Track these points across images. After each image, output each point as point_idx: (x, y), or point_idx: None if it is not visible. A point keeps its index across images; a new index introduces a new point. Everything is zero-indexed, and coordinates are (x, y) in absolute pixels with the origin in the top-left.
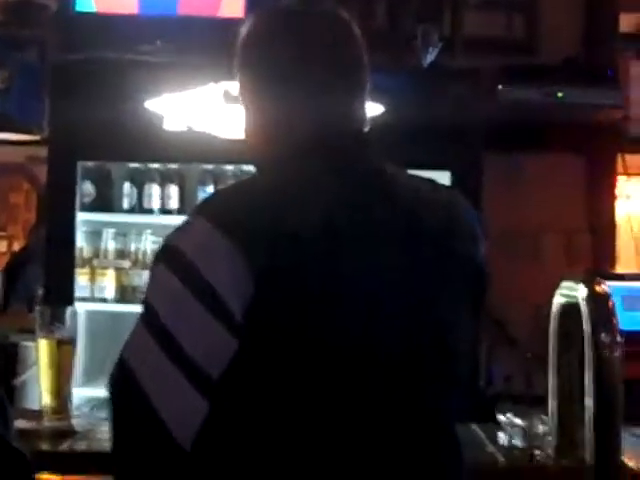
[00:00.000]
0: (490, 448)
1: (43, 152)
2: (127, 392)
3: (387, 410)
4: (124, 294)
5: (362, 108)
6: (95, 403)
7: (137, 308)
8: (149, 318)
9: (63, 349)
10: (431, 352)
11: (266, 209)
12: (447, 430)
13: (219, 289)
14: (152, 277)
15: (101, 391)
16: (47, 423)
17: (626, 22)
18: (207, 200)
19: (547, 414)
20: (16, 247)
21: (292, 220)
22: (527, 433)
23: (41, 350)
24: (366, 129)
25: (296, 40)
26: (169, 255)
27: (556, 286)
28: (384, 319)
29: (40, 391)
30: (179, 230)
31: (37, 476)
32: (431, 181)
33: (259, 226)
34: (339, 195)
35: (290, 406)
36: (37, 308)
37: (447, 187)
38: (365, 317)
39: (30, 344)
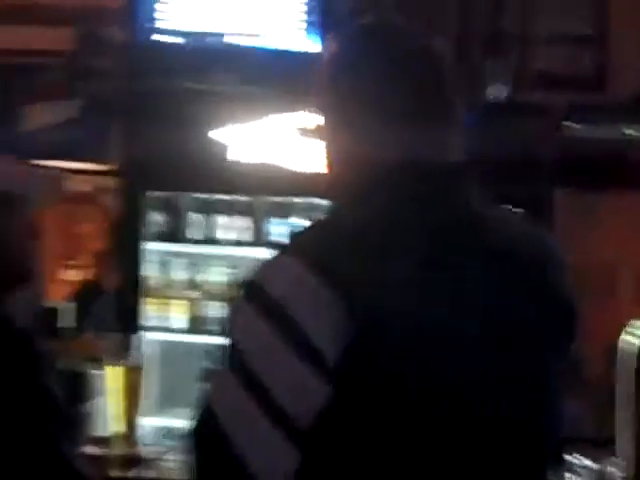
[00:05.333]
0: None
1: (111, 182)
2: (213, 442)
3: (487, 462)
4: (195, 325)
5: (456, 136)
6: (165, 432)
7: (208, 339)
8: (234, 360)
9: (131, 376)
10: (530, 400)
11: (358, 250)
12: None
13: (312, 334)
14: (237, 315)
15: (173, 421)
16: (116, 450)
17: None
18: (300, 237)
19: (615, 455)
20: (86, 276)
21: (385, 263)
22: (598, 475)
23: (109, 377)
24: (460, 160)
25: (382, 66)
26: (257, 293)
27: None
28: (482, 366)
29: (106, 418)
30: (269, 267)
31: None
32: (518, 215)
33: (356, 270)
34: (432, 232)
35: (385, 457)
36: (106, 336)
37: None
38: (463, 364)
39: (97, 372)
